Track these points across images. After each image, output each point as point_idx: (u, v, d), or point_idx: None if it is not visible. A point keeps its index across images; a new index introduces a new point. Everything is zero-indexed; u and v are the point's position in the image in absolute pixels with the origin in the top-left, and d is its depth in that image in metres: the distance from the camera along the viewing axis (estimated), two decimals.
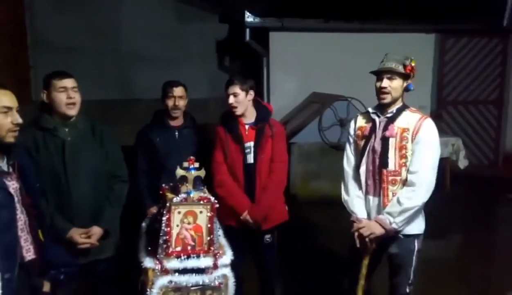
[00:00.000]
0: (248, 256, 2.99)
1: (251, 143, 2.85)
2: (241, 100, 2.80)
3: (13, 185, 1.86)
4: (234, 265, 2.30)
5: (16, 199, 1.86)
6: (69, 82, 2.42)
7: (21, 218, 1.87)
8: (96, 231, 2.47)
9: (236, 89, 2.78)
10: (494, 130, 7.58)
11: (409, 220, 2.44)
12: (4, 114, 1.82)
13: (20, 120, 1.88)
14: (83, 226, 2.44)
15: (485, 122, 7.54)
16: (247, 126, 2.87)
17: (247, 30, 6.23)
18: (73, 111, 2.43)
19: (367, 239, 2.45)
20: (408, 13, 6.42)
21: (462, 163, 6.22)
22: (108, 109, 6.09)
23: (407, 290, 2.55)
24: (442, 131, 7.05)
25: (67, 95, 2.40)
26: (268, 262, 3.03)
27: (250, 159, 2.85)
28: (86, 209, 2.47)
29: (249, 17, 6.14)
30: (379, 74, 2.46)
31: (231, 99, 2.78)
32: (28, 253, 1.90)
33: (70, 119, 2.46)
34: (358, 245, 2.50)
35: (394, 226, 2.40)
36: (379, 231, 2.42)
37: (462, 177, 6.30)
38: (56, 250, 2.11)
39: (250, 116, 2.87)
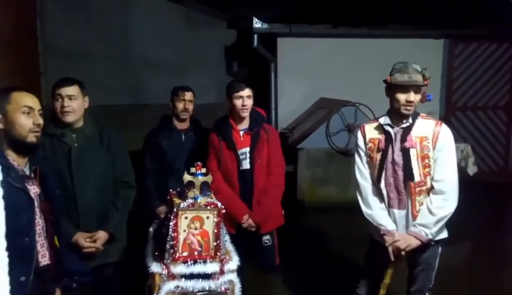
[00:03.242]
0: (249, 261, 2.99)
1: (247, 149, 2.87)
2: (251, 103, 2.87)
3: (33, 189, 1.90)
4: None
5: (36, 204, 1.89)
6: (66, 91, 2.43)
7: (39, 223, 1.90)
8: (101, 235, 2.49)
9: (251, 92, 2.85)
10: (504, 136, 7.51)
11: (442, 227, 2.46)
12: (27, 115, 1.88)
13: (41, 121, 1.93)
14: (89, 231, 2.47)
15: (494, 128, 7.48)
16: (241, 132, 2.89)
17: (255, 36, 6.27)
18: (69, 118, 2.44)
19: (402, 252, 2.43)
20: (417, 18, 6.40)
21: (472, 170, 6.17)
22: (117, 114, 6.14)
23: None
24: None
25: (61, 104, 2.43)
26: (268, 262, 3.06)
27: (246, 164, 2.87)
28: (92, 214, 2.50)
29: (257, 23, 6.17)
30: (406, 87, 2.39)
31: (247, 101, 2.82)
32: (44, 258, 1.92)
33: (77, 125, 2.49)
34: (392, 258, 2.45)
35: (430, 237, 2.40)
36: (415, 243, 2.40)
37: (471, 183, 6.23)
38: (71, 257, 2.14)
39: (245, 122, 2.90)
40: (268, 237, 2.98)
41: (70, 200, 2.43)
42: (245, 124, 2.90)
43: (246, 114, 2.86)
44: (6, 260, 0.95)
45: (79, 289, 2.13)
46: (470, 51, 7.27)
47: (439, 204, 2.37)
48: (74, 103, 2.45)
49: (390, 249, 2.44)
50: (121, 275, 2.72)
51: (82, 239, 2.43)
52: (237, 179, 2.87)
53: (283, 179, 2.98)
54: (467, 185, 6.16)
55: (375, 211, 2.50)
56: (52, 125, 2.46)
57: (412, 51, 6.63)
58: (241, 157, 2.86)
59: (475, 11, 6.33)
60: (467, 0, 6.24)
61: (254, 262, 3.06)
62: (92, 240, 2.47)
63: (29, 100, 1.90)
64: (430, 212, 2.38)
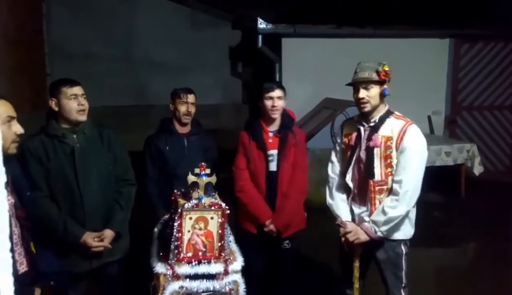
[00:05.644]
0: (265, 261, 3.00)
1: (275, 151, 2.85)
2: (282, 104, 2.84)
3: (8, 201, 1.85)
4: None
5: (10, 213, 1.85)
6: (78, 90, 2.46)
7: (15, 232, 1.88)
8: (108, 234, 2.52)
9: (282, 93, 2.83)
10: (510, 136, 7.45)
11: (395, 227, 2.46)
12: (8, 125, 1.83)
13: (22, 130, 1.89)
14: (95, 230, 2.49)
15: (500, 128, 7.43)
16: (271, 134, 2.87)
17: (260, 36, 6.25)
18: (84, 117, 2.47)
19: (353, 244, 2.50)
20: (422, 18, 6.37)
21: (477, 169, 6.13)
22: (121, 115, 6.18)
23: (402, 294, 2.55)
24: (456, 137, 7.01)
25: (78, 102, 2.43)
26: (285, 268, 3.03)
27: (273, 166, 2.85)
28: (97, 212, 2.52)
29: (261, 24, 6.16)
30: (355, 85, 2.48)
31: (277, 102, 2.79)
32: (22, 266, 1.91)
33: (78, 126, 2.48)
34: (346, 249, 2.55)
35: (379, 234, 2.43)
36: (364, 237, 2.46)
37: (477, 183, 6.21)
38: (47, 260, 2.10)
39: (275, 123, 2.88)
40: (288, 241, 2.96)
41: (75, 199, 2.45)
42: (275, 126, 2.88)
43: (276, 115, 2.83)
44: (10, 261, 0.95)
45: (57, 286, 2.12)
46: (476, 51, 7.23)
47: (392, 204, 2.40)
48: (86, 102, 2.49)
49: (342, 239, 2.53)
50: (126, 274, 2.74)
51: (90, 238, 2.45)
52: (265, 180, 2.86)
53: (306, 184, 2.97)
54: (473, 185, 6.17)
55: (335, 201, 2.62)
56: (51, 126, 2.45)
57: (417, 51, 6.61)
58: (269, 158, 2.85)
59: (481, 10, 6.29)
60: (472, 0, 6.20)
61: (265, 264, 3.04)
62: (100, 239, 2.49)
63: (9, 109, 1.86)
64: (383, 210, 2.41)
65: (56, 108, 2.44)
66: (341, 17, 6.29)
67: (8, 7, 4.88)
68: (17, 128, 1.86)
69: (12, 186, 1.89)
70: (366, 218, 2.48)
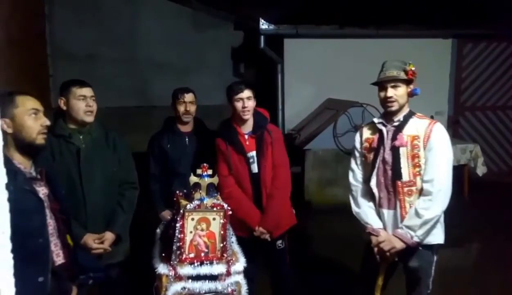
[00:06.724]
0: (260, 264, 2.99)
1: (253, 153, 2.82)
2: (253, 105, 2.80)
3: (42, 190, 1.91)
4: (249, 275, 2.30)
5: (45, 204, 1.90)
6: (88, 91, 2.49)
7: (50, 223, 1.92)
8: (109, 236, 2.53)
9: (251, 93, 2.78)
10: None
11: (430, 231, 2.36)
12: (34, 117, 1.89)
13: (48, 122, 1.95)
14: (96, 232, 2.50)
15: (503, 128, 7.41)
16: (246, 136, 2.83)
17: (262, 37, 6.26)
18: (90, 118, 2.50)
19: (387, 253, 2.38)
20: (425, 18, 6.36)
21: (481, 170, 6.12)
22: (124, 116, 6.19)
23: None
24: (459, 138, 6.99)
25: (86, 104, 2.47)
26: (281, 267, 3.01)
27: (255, 168, 2.82)
28: (99, 214, 2.53)
29: (263, 25, 6.17)
30: (382, 83, 2.41)
31: (247, 103, 2.75)
32: (58, 257, 1.94)
33: (84, 127, 2.52)
34: (378, 260, 2.43)
35: (415, 239, 2.33)
36: (400, 245, 2.35)
37: (480, 184, 6.19)
38: (84, 254, 2.17)
39: (248, 124, 2.84)
40: (281, 241, 2.93)
41: (78, 200, 2.47)
42: (248, 128, 2.84)
43: (247, 116, 2.79)
44: (11, 262, 0.96)
45: (93, 285, 2.15)
46: (479, 51, 7.21)
47: (425, 205, 2.31)
48: (95, 104, 2.53)
49: (375, 249, 2.41)
50: (127, 275, 2.75)
51: (91, 240, 2.47)
52: (250, 183, 2.82)
53: (288, 179, 2.92)
54: (476, 185, 6.16)
55: (363, 209, 2.50)
56: (59, 126, 2.49)
57: (420, 51, 6.59)
58: (250, 161, 2.81)
59: (483, 10, 6.27)
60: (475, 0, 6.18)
61: (264, 265, 3.04)
62: (100, 241, 2.50)
63: (34, 102, 1.93)
64: (416, 213, 2.31)
65: (64, 108, 2.48)
66: (343, 18, 6.28)
67: (10, 9, 4.89)
68: (43, 120, 1.93)
69: (46, 178, 1.95)
70: (399, 224, 2.38)
